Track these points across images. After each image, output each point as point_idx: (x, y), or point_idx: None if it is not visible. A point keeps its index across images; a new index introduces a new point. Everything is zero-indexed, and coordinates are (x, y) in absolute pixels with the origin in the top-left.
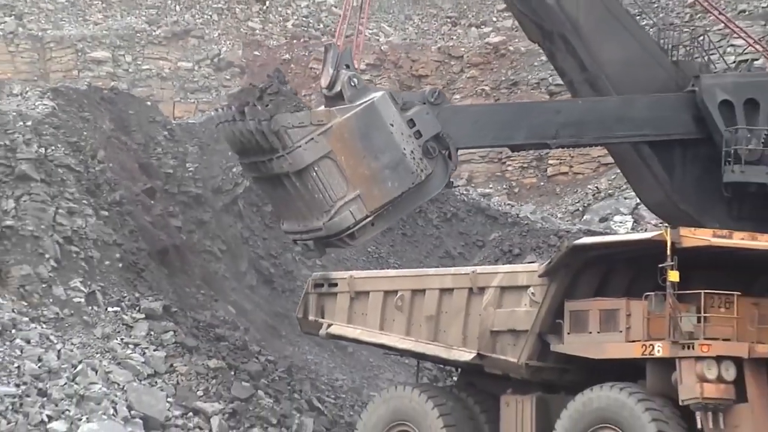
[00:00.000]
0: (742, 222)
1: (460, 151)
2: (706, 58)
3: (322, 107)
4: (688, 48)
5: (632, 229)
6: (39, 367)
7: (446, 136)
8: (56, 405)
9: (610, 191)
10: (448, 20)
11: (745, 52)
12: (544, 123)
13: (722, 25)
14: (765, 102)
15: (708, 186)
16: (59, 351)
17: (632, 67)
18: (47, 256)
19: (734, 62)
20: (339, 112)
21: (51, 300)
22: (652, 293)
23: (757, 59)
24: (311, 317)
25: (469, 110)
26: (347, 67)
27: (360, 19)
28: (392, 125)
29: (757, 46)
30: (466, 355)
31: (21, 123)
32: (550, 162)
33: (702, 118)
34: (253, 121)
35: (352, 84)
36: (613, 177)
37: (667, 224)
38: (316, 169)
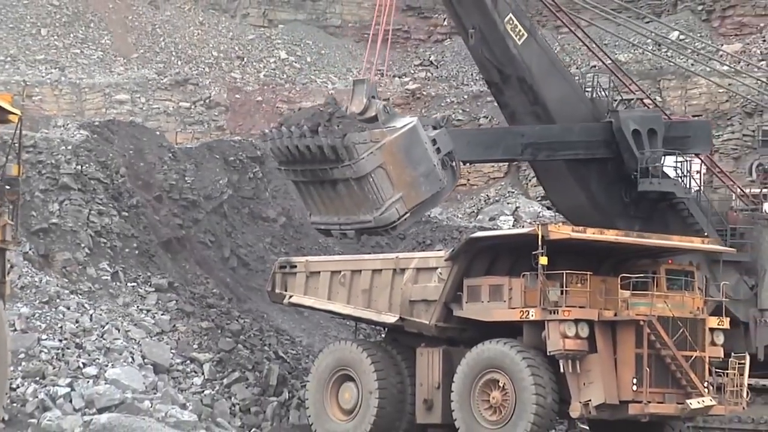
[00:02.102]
0: (635, 220)
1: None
2: (610, 97)
3: (376, 129)
4: (597, 89)
5: (513, 225)
6: (76, 327)
7: (454, 152)
8: (89, 355)
9: (497, 198)
10: (378, 72)
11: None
12: (513, 144)
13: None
14: (660, 131)
15: (613, 193)
16: (91, 315)
17: (565, 103)
18: (83, 245)
19: (623, 100)
20: (389, 132)
21: (85, 278)
22: (528, 273)
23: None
24: (277, 290)
25: (465, 133)
26: (373, 97)
27: (380, 58)
28: (426, 143)
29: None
30: (392, 319)
31: (63, 147)
32: None
33: (615, 142)
34: (325, 138)
35: (387, 111)
36: (499, 188)
37: (570, 222)
38: (373, 175)
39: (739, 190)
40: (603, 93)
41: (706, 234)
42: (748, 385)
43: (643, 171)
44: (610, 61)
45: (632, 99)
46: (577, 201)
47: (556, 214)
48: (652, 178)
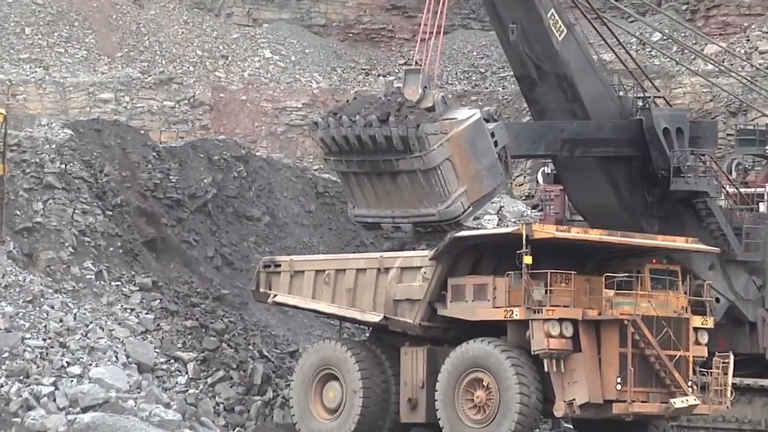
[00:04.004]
0: (655, 219)
1: None
2: (635, 95)
3: (445, 120)
4: (621, 88)
5: (497, 225)
6: (60, 326)
7: (506, 146)
8: (73, 354)
9: None
10: (363, 71)
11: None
12: (554, 140)
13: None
14: (686, 130)
15: (637, 192)
16: (75, 314)
17: (599, 101)
18: (67, 244)
19: (637, 97)
20: (456, 124)
21: (69, 277)
22: (512, 272)
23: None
24: (262, 289)
25: (512, 127)
26: (425, 88)
27: (433, 49)
28: (490, 136)
29: (650, 90)
30: (376, 318)
31: (47, 146)
32: None
33: (642, 141)
34: (396, 128)
35: (444, 101)
36: None
37: (588, 222)
38: (441, 167)
39: (733, 189)
40: (624, 91)
41: (722, 233)
42: (732, 384)
43: (674, 170)
44: (629, 59)
45: (649, 97)
46: (603, 200)
47: (543, 213)
48: (687, 177)
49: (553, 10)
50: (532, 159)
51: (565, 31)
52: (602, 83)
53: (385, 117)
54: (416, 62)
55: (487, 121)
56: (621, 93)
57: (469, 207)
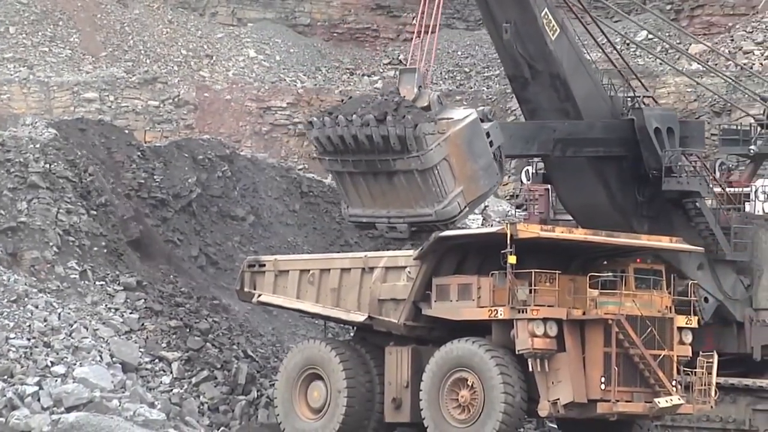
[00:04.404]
0: (645, 219)
1: None
2: (625, 95)
3: (442, 120)
4: (612, 87)
5: (482, 224)
6: (44, 325)
7: (501, 146)
8: (57, 354)
9: None
10: (347, 71)
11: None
12: (546, 140)
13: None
14: (677, 130)
15: (628, 192)
16: (59, 314)
17: (591, 100)
18: (51, 244)
19: (626, 97)
20: (453, 124)
21: (54, 276)
22: (497, 272)
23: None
24: (246, 289)
25: (507, 127)
26: (419, 87)
27: (428, 50)
28: (486, 136)
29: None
30: (360, 317)
31: (32, 145)
32: None
33: (634, 140)
34: (393, 127)
35: (440, 101)
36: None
37: (578, 222)
38: (438, 167)
39: (719, 189)
40: (615, 91)
41: (711, 233)
42: (716, 383)
43: (666, 170)
44: (618, 59)
45: (639, 97)
46: (594, 200)
47: (527, 213)
48: (680, 177)
49: (546, 10)
50: (525, 159)
51: (558, 30)
52: (594, 83)
53: (382, 117)
54: (403, 61)
55: (482, 120)
56: (611, 93)
57: (465, 207)
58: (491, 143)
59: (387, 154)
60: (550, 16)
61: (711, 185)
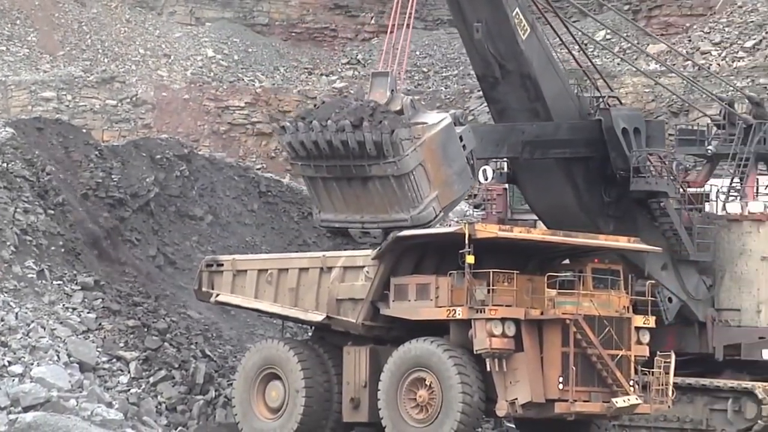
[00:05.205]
0: (611, 219)
1: None
2: (592, 95)
3: (418, 125)
4: (579, 87)
5: (440, 224)
6: (1, 325)
7: (473, 149)
8: (14, 353)
9: None
10: (306, 70)
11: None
12: (515, 142)
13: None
14: (643, 130)
15: (595, 192)
16: (17, 313)
17: (560, 100)
18: (8, 243)
19: (592, 97)
20: (428, 129)
21: (11, 276)
22: (455, 271)
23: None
24: (204, 289)
25: (477, 130)
26: (392, 91)
27: (401, 53)
28: (460, 140)
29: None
30: (318, 317)
31: None
32: None
33: (601, 141)
34: (369, 133)
35: (413, 105)
36: None
37: (545, 223)
38: (414, 173)
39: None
40: (581, 91)
41: (674, 233)
42: (674, 383)
43: (634, 170)
44: (584, 60)
45: (604, 97)
46: (562, 200)
47: (485, 213)
48: (648, 178)
49: (518, 9)
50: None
51: (529, 30)
52: (562, 83)
53: (358, 122)
54: (362, 60)
55: (455, 124)
56: (578, 93)
57: (440, 212)
58: (464, 147)
59: (362, 160)
60: (521, 16)
61: (679, 185)
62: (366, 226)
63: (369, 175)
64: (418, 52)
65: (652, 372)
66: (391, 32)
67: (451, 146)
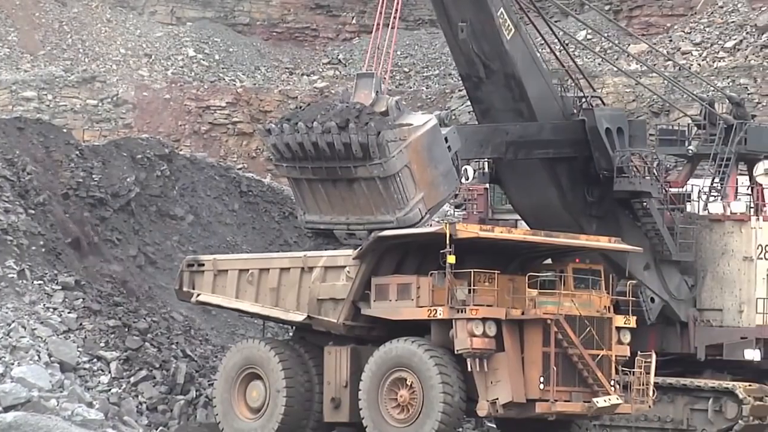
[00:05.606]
0: (593, 219)
1: None
2: (576, 95)
3: (404, 126)
4: (563, 87)
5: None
6: None
7: (458, 151)
8: None
9: None
10: (287, 70)
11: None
12: (499, 142)
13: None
14: (626, 130)
15: (578, 192)
16: None
17: (544, 101)
18: None
19: (576, 97)
20: (414, 130)
21: None
22: (436, 271)
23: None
24: (185, 288)
25: (462, 131)
26: (377, 92)
27: (385, 55)
28: (445, 141)
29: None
30: (299, 317)
31: None
32: None
33: (584, 141)
34: (356, 135)
35: (398, 107)
36: None
37: (528, 223)
38: (400, 174)
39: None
40: (564, 91)
41: (657, 233)
42: (654, 383)
43: (617, 170)
44: (567, 60)
45: (588, 97)
46: (545, 200)
47: (466, 213)
48: (632, 178)
49: (502, 9)
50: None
51: (513, 29)
52: (546, 83)
53: (344, 124)
54: (342, 60)
55: (440, 125)
56: (561, 93)
57: (426, 213)
58: (449, 148)
59: (348, 161)
60: (506, 16)
61: (662, 186)
62: (351, 227)
63: (355, 177)
64: (399, 52)
65: (633, 372)
66: (377, 31)
67: (437, 148)
